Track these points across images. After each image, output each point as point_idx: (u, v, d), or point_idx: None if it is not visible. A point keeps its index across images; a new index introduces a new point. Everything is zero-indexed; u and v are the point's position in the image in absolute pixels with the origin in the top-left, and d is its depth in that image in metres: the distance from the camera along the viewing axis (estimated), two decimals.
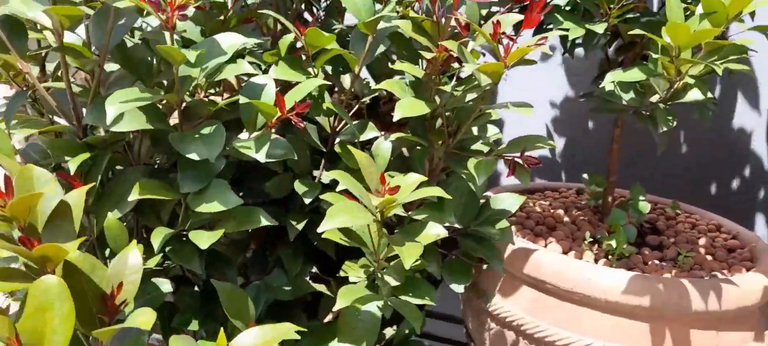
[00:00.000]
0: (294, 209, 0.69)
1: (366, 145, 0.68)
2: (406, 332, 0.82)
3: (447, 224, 0.57)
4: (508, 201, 0.72)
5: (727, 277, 0.75)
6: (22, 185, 0.49)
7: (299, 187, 0.65)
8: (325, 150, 0.69)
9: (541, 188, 1.08)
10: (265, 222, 0.58)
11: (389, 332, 0.85)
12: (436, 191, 0.57)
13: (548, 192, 1.06)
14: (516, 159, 0.68)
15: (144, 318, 0.44)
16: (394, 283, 0.60)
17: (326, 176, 0.68)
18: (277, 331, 0.50)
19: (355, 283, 0.60)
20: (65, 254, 0.44)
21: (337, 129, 0.70)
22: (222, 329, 0.50)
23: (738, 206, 1.15)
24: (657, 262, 0.81)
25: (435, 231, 0.58)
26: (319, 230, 0.53)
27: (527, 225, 0.89)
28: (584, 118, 1.24)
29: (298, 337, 0.56)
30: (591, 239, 0.83)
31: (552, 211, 0.94)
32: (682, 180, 1.18)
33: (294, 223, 0.66)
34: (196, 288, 0.67)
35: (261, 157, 0.57)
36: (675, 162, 1.19)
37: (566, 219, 0.91)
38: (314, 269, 0.72)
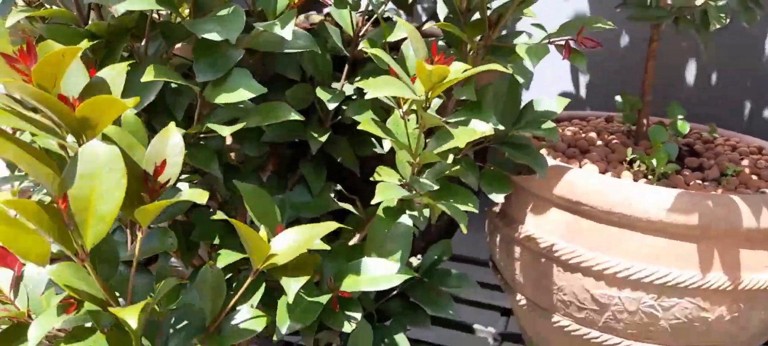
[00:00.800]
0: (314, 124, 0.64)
1: (394, 49, 0.63)
2: (435, 257, 0.78)
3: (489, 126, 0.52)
4: (551, 103, 0.66)
5: None
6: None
7: (322, 94, 0.60)
8: (347, 55, 0.63)
9: (566, 117, 1.02)
10: (293, 116, 0.53)
11: (414, 261, 0.81)
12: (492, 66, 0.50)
13: (576, 120, 1.00)
14: (571, 41, 0.62)
15: (196, 193, 0.40)
16: (431, 187, 0.55)
17: (349, 88, 0.63)
18: (318, 228, 0.46)
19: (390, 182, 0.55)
20: (118, 111, 0.39)
21: (361, 33, 0.64)
22: (261, 225, 0.46)
23: None
24: (699, 182, 0.76)
25: (480, 128, 0.53)
26: (366, 97, 0.47)
27: (558, 148, 0.83)
28: (614, 43, 1.18)
29: (326, 246, 0.52)
30: (628, 160, 0.78)
31: (583, 135, 0.89)
32: (718, 107, 1.13)
33: (315, 135, 0.61)
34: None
35: (287, 34, 0.51)
36: (710, 87, 1.13)
37: (599, 142, 0.86)
38: (338, 188, 0.67)
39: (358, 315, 0.57)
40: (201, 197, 0.40)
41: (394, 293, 0.77)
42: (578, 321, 0.77)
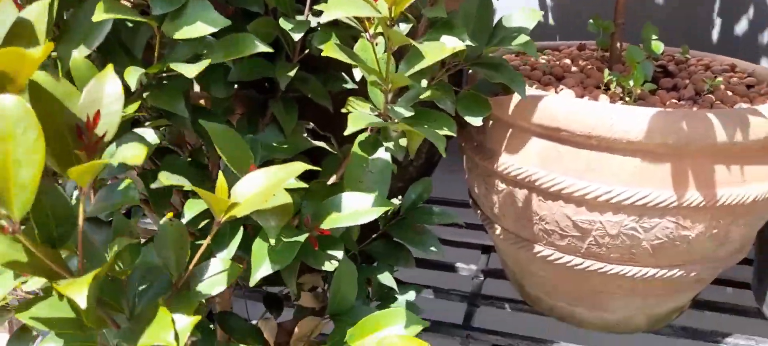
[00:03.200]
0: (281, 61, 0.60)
1: None
2: (413, 197, 0.75)
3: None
4: (521, 18, 0.63)
5: (753, 107, 0.68)
6: None
7: (285, 24, 0.56)
8: None
9: (538, 48, 0.99)
10: (260, 47, 0.49)
11: (395, 202, 0.78)
12: None
13: (548, 50, 0.97)
14: None
15: (133, 152, 0.36)
16: (406, 114, 0.52)
17: (314, 20, 0.59)
18: (286, 169, 0.42)
19: (363, 112, 0.52)
20: (33, 63, 0.34)
21: None
22: (220, 173, 0.42)
23: (744, 50, 1.08)
24: (675, 101, 0.74)
25: (451, 43, 0.49)
26: (321, 20, 0.43)
27: (533, 76, 0.80)
28: None
29: (303, 185, 0.48)
30: (604, 84, 0.76)
31: (557, 62, 0.86)
32: (690, 29, 1.10)
33: (284, 71, 0.57)
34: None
35: None
36: (676, 11, 1.11)
37: (574, 69, 0.83)
38: (311, 126, 0.64)
39: (340, 253, 0.54)
40: (136, 159, 0.35)
41: (377, 234, 0.74)
42: (560, 249, 0.75)
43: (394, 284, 0.70)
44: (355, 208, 0.52)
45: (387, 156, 0.56)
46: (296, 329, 0.59)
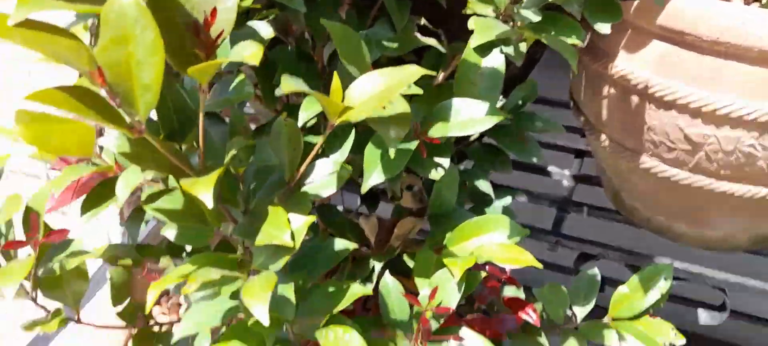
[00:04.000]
0: None
1: None
2: (517, 102, 0.71)
3: None
4: None
5: None
6: None
7: None
8: None
9: None
10: None
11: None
12: None
13: None
14: None
15: (250, 50, 0.34)
16: (534, 18, 0.48)
17: None
18: (402, 73, 0.40)
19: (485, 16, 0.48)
20: None
21: None
22: (335, 74, 0.40)
23: None
24: None
25: None
26: None
27: None
28: None
29: (419, 91, 0.46)
30: None
31: None
32: None
33: None
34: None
35: None
36: None
37: None
38: (422, 22, 0.60)
39: (446, 161, 0.52)
40: (253, 57, 0.34)
41: (476, 137, 0.72)
42: (667, 162, 0.71)
43: (490, 190, 0.68)
44: (466, 116, 0.50)
45: (501, 59, 0.52)
46: (396, 228, 0.59)
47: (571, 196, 0.92)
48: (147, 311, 0.40)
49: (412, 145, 0.49)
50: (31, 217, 0.45)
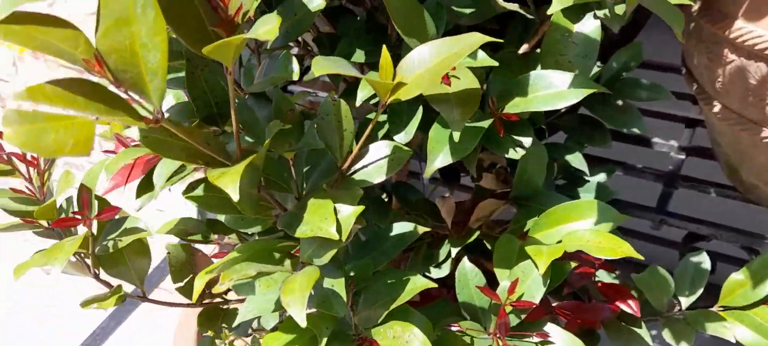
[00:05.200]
0: None
1: None
2: (616, 67, 0.59)
3: None
4: None
5: None
6: None
7: None
8: None
9: None
10: None
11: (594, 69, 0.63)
12: None
13: None
14: None
15: (267, 26, 0.27)
16: None
17: None
18: (460, 43, 0.31)
19: None
20: None
21: None
22: (384, 48, 0.32)
23: None
24: None
25: None
26: None
27: None
28: None
29: (493, 62, 0.37)
30: None
31: None
32: None
33: None
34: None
35: None
36: None
37: None
38: None
39: (528, 140, 0.43)
40: (268, 33, 0.26)
41: (569, 106, 0.61)
42: None
43: (584, 167, 0.57)
44: (550, 89, 0.40)
45: (596, 24, 0.42)
46: (475, 211, 0.50)
47: (679, 170, 0.78)
48: (194, 299, 0.35)
49: (486, 123, 0.40)
50: (83, 195, 0.42)
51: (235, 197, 0.28)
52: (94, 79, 0.27)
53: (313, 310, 0.36)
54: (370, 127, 0.34)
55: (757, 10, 0.54)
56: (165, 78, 0.27)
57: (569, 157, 0.57)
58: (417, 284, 0.37)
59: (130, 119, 0.26)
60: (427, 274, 0.52)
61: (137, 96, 0.27)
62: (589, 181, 0.60)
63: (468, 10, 0.45)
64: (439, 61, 0.31)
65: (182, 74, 0.40)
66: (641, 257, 0.41)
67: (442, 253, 0.51)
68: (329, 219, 0.32)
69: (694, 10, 0.63)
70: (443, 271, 0.51)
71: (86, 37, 0.27)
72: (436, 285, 0.37)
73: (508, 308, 0.42)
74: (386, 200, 0.52)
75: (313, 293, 0.35)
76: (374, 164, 0.37)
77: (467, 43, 0.31)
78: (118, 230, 0.42)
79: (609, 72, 0.60)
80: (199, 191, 0.34)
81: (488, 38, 0.32)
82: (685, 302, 0.58)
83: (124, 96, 0.27)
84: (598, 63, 0.62)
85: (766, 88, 0.56)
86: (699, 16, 0.61)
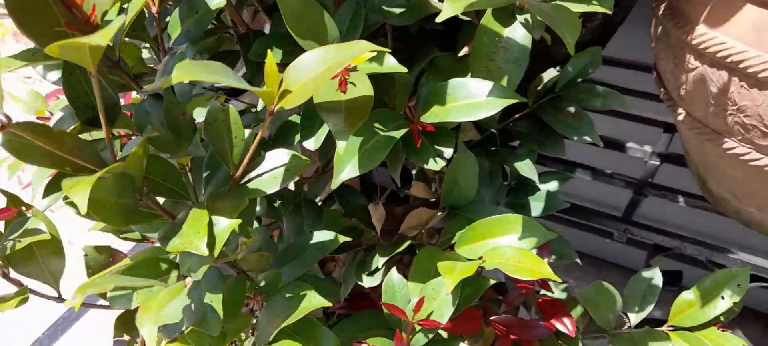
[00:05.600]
0: None
1: None
2: (572, 72, 0.57)
3: None
4: None
5: None
6: None
7: None
8: None
9: None
10: None
11: (550, 74, 0.60)
12: None
13: None
14: None
15: (104, 32, 0.24)
16: None
17: None
18: (347, 50, 0.29)
19: None
20: None
21: None
22: (269, 53, 0.30)
23: None
24: None
25: None
26: None
27: None
28: None
29: (401, 68, 0.35)
30: None
31: None
32: None
33: None
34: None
35: None
36: None
37: None
38: None
39: (449, 151, 0.41)
40: (102, 38, 0.23)
41: (523, 113, 0.58)
42: (760, 149, 0.54)
43: (534, 175, 0.54)
44: (468, 98, 0.37)
45: (525, 32, 0.39)
46: (405, 220, 0.48)
47: (652, 176, 0.75)
48: (76, 307, 0.33)
49: (399, 132, 0.38)
50: None
51: (82, 208, 0.26)
52: None
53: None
54: (258, 137, 0.32)
55: (720, 15, 0.51)
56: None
57: (519, 165, 0.55)
58: (312, 301, 0.35)
59: None
60: (360, 282, 0.50)
61: None
62: (540, 189, 0.58)
63: (398, 10, 0.43)
64: (324, 69, 0.29)
65: None
66: (558, 279, 0.39)
67: (374, 262, 0.49)
68: (201, 233, 0.30)
69: (660, 13, 0.59)
70: (375, 280, 0.50)
71: None
72: (329, 304, 0.36)
73: (417, 328, 0.40)
74: (319, 204, 0.50)
75: (193, 308, 0.34)
76: (269, 173, 0.35)
77: (354, 50, 0.29)
78: (20, 230, 0.41)
79: (566, 77, 0.57)
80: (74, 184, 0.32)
81: (376, 47, 0.29)
82: (634, 319, 0.55)
83: None
84: (558, 68, 0.60)
85: (727, 97, 0.53)
86: (665, 18, 0.58)
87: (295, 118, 0.42)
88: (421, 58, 0.46)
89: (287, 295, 0.36)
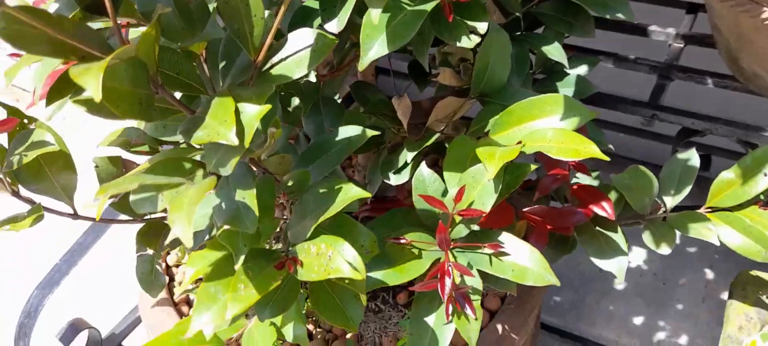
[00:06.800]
0: None
1: None
2: None
3: None
4: None
5: None
6: None
7: None
8: None
9: None
10: None
11: None
12: None
13: None
14: None
15: None
16: None
17: None
18: None
19: None
20: None
21: None
22: None
23: None
24: None
25: None
26: None
27: None
28: None
29: None
30: None
31: None
32: None
33: None
34: None
35: None
36: None
37: None
38: None
39: (483, 25, 0.37)
40: None
41: None
42: None
43: (563, 57, 0.51)
44: None
45: None
46: (433, 111, 0.45)
47: (676, 60, 0.72)
48: (97, 216, 0.31)
49: (430, 5, 0.34)
50: None
51: (96, 96, 0.23)
52: None
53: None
54: (279, 15, 0.28)
55: None
56: None
57: (546, 49, 0.51)
58: (349, 193, 0.32)
59: None
60: (387, 181, 0.48)
61: None
62: (569, 74, 0.54)
63: None
64: None
65: None
66: (606, 158, 0.36)
67: (402, 158, 0.46)
68: (228, 121, 0.27)
69: None
70: (403, 176, 0.47)
71: None
72: (369, 194, 0.33)
73: (458, 218, 0.38)
74: (340, 100, 0.47)
75: (224, 207, 0.31)
76: (294, 56, 0.31)
77: None
78: (26, 143, 0.38)
79: None
80: (87, 94, 0.29)
81: None
82: (671, 202, 0.53)
83: None
84: None
85: None
86: None
87: (312, 3, 0.38)
88: None
89: (321, 190, 0.34)
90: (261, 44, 0.31)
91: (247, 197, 0.30)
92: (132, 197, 0.29)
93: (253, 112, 0.28)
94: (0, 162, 0.38)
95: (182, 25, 0.30)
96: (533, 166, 0.39)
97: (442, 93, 0.49)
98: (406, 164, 0.47)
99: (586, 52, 0.69)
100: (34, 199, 0.41)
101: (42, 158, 0.39)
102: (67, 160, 0.40)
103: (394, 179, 0.47)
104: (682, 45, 0.73)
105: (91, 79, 0.23)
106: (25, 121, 0.40)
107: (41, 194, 0.41)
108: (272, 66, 0.32)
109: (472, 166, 0.39)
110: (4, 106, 0.39)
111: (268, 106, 0.28)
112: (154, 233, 0.46)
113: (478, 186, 0.38)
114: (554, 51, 0.51)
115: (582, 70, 0.55)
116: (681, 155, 0.54)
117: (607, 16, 0.51)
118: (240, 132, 0.27)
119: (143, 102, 0.28)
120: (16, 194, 0.40)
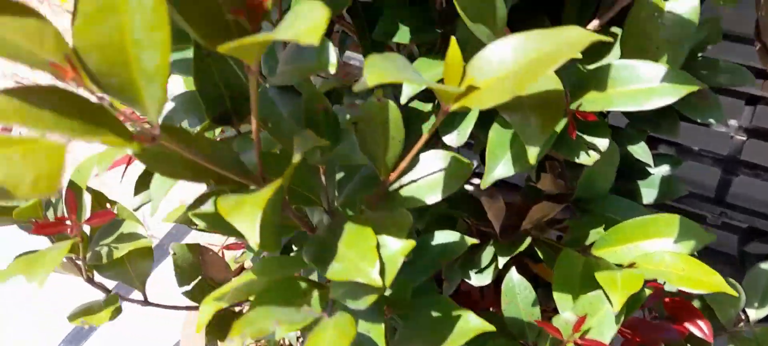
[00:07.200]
0: None
1: None
2: (696, 46, 0.51)
3: None
4: None
5: None
6: None
7: None
8: None
9: None
10: None
11: None
12: None
13: None
14: None
15: (307, 24, 0.19)
16: None
17: None
18: (554, 40, 0.23)
19: None
20: None
21: None
22: (452, 40, 0.24)
23: None
24: None
25: None
26: None
27: None
28: None
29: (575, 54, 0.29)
30: None
31: None
32: None
33: None
34: None
35: None
36: None
37: None
38: None
39: (605, 142, 0.35)
40: (311, 34, 0.18)
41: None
42: None
43: (649, 158, 0.49)
44: (638, 83, 0.32)
45: (694, 2, 0.33)
46: (529, 214, 0.43)
47: (739, 153, 0.70)
48: (198, 329, 0.28)
49: (559, 125, 0.32)
50: (70, 196, 0.34)
51: (253, 240, 0.21)
52: (72, 89, 0.19)
53: None
54: (425, 136, 0.26)
55: None
56: (165, 84, 0.19)
57: (632, 148, 0.49)
58: (469, 325, 0.30)
59: (118, 140, 0.19)
60: (467, 280, 0.45)
61: (127, 105, 0.20)
62: (652, 173, 0.52)
63: None
64: (529, 62, 0.23)
65: (189, 54, 0.32)
66: (735, 293, 0.34)
67: (485, 258, 0.44)
68: (370, 257, 0.25)
69: None
70: (485, 278, 0.45)
71: (56, 31, 0.19)
72: (492, 328, 0.31)
73: (570, 344, 0.36)
74: None
75: None
76: (426, 179, 0.29)
77: (565, 40, 0.23)
78: (114, 234, 0.36)
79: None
80: (209, 207, 0.27)
81: (594, 35, 0.24)
82: (754, 315, 0.51)
83: (109, 108, 0.20)
84: None
85: None
86: None
87: (420, 105, 0.37)
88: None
89: (434, 314, 0.31)
90: (394, 165, 0.29)
91: (373, 331, 0.28)
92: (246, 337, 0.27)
93: (396, 249, 0.25)
94: (83, 250, 0.35)
95: (316, 139, 0.28)
96: (648, 292, 0.37)
97: (530, 196, 0.47)
98: (489, 265, 0.44)
99: (648, 139, 0.67)
100: (105, 283, 0.39)
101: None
102: (147, 249, 0.38)
103: (476, 280, 0.45)
104: (744, 138, 0.71)
105: (246, 220, 0.21)
106: (108, 205, 0.38)
107: (114, 279, 0.38)
108: (401, 186, 0.30)
109: (586, 291, 0.36)
110: (90, 190, 0.37)
111: (412, 243, 0.25)
112: (226, 323, 0.43)
113: (597, 314, 0.35)
114: (640, 151, 0.50)
115: (664, 169, 0.53)
116: (764, 265, 0.52)
117: (699, 120, 0.49)
118: (382, 270, 0.25)
119: (276, 229, 0.25)
120: (90, 280, 0.38)
